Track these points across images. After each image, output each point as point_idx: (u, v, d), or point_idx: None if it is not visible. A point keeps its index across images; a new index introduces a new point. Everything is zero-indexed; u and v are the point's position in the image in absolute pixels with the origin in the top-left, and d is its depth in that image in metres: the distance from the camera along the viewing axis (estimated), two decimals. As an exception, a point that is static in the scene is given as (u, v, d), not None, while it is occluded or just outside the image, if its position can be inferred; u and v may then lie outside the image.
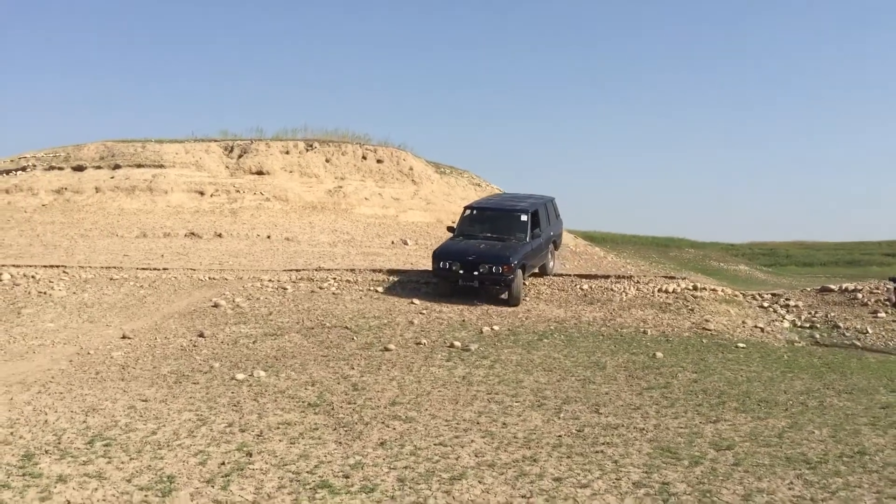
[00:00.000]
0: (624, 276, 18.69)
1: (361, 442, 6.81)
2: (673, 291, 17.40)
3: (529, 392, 9.28)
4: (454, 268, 15.16)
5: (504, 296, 15.32)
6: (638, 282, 18.18)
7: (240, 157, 30.17)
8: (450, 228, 17.29)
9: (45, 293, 15.97)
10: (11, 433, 6.89)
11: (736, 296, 17.94)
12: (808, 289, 19.20)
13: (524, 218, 16.41)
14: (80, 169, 28.79)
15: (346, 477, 5.79)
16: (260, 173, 29.51)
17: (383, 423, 7.56)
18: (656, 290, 17.52)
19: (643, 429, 7.49)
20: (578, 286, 17.74)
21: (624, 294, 17.25)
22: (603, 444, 6.91)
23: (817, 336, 15.11)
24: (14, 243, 23.16)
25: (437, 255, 15.73)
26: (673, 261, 57.55)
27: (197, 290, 16.75)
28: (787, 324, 16.10)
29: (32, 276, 17.27)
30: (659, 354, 12.34)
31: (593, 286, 17.68)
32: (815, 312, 16.76)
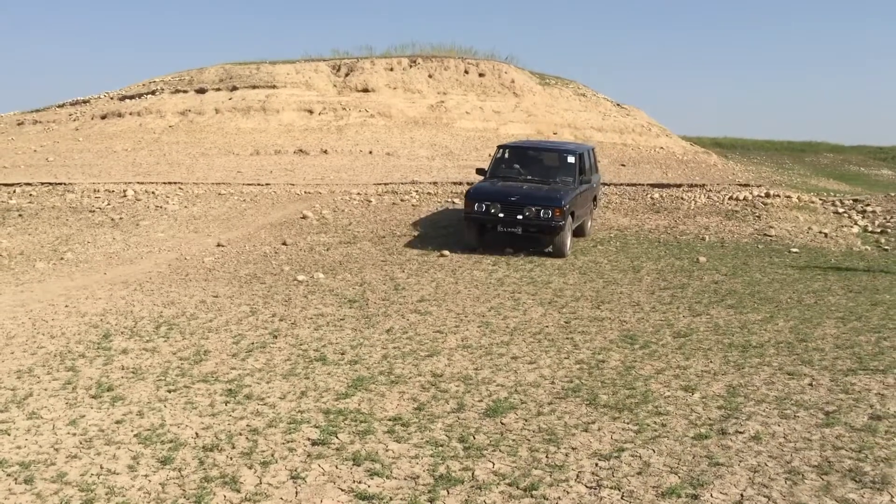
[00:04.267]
0: (696, 185, 19.06)
1: (373, 329, 8.10)
2: (743, 199, 17.72)
3: (550, 292, 10.30)
4: (493, 210, 12.80)
5: (549, 248, 13.12)
6: (710, 190, 18.54)
7: (346, 75, 31.64)
8: (479, 171, 14.73)
9: (161, 207, 18.05)
10: (101, 319, 8.59)
11: (812, 202, 18.03)
12: (893, 194, 19.00)
13: (571, 160, 14.17)
14: (201, 91, 31.08)
15: (342, 354, 7.11)
16: (365, 90, 30.90)
17: (402, 315, 8.82)
18: (727, 197, 17.88)
19: (624, 321, 8.44)
20: (649, 195, 18.31)
21: (693, 202, 17.72)
22: (578, 332, 7.92)
23: (882, 241, 15.23)
24: (143, 162, 25.69)
25: (473, 196, 13.15)
26: (807, 166, 55.72)
27: (292, 204, 18.44)
28: (856, 229, 16.22)
29: (152, 192, 19.44)
30: (702, 259, 12.97)
31: (664, 195, 18.20)
32: (891, 218, 16.75)
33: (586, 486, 4.24)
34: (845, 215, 17.15)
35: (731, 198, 17.81)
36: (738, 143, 68.82)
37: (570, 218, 12.83)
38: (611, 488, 4.21)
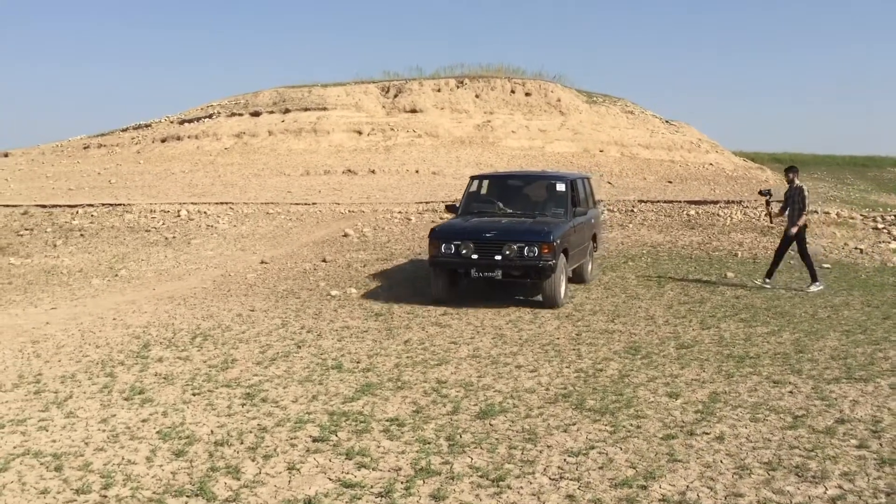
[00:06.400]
0: (733, 202, 19.16)
1: (392, 340, 8.59)
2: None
3: (571, 306, 10.65)
4: (465, 252, 10.45)
5: (538, 297, 10.79)
6: (746, 206, 18.63)
7: (395, 96, 32.43)
8: (450, 207, 12.42)
9: (212, 226, 18.90)
10: (144, 331, 9.25)
11: (852, 218, 17.99)
12: (936, 209, 18.83)
13: (562, 188, 11.72)
14: (256, 114, 32.21)
15: (358, 362, 7.60)
16: (413, 111, 31.64)
17: (422, 327, 9.28)
18: (763, 214, 17.95)
19: (634, 334, 8.76)
20: (685, 212, 18.50)
21: (729, 219, 17.85)
22: (587, 343, 8.28)
23: (919, 257, 15.17)
24: (200, 183, 26.76)
25: (439, 235, 10.81)
26: (869, 181, 54.79)
27: (336, 222, 19.12)
28: (894, 245, 16.19)
29: (205, 212, 20.33)
30: (730, 275, 13.17)
31: (700, 212, 18.37)
32: (931, 233, 16.62)
33: (549, 479, 4.64)
34: (884, 231, 17.10)
35: (766, 215, 17.88)
36: (798, 159, 67.90)
37: (562, 257, 10.49)
38: (570, 480, 4.61)
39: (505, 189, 12.31)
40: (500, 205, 11.73)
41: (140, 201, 22.14)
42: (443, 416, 5.87)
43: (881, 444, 5.09)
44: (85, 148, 34.63)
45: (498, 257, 10.31)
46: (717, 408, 5.92)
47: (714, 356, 7.63)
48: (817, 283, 11.84)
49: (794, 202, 11.92)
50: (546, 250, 10.13)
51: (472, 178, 12.58)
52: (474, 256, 10.42)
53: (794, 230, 11.89)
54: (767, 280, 12.14)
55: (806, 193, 11.90)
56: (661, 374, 6.98)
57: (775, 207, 12.54)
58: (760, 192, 12.97)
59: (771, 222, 13.26)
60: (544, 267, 10.12)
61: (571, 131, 31.74)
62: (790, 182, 12.18)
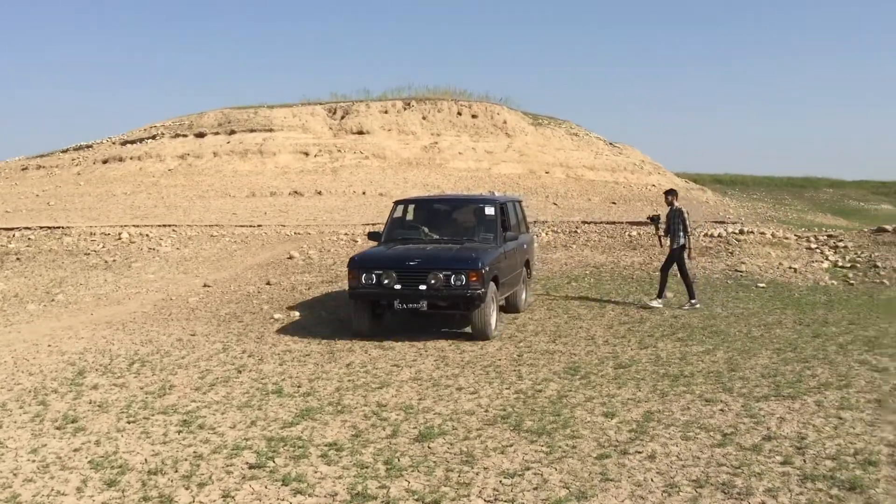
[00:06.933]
0: (674, 222, 19.52)
1: (335, 364, 8.56)
2: (718, 235, 18.20)
3: (514, 327, 10.75)
4: (387, 282, 9.73)
5: (468, 328, 10.11)
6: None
7: (342, 118, 32.45)
8: (372, 235, 11.61)
9: (154, 249, 18.63)
10: (80, 357, 9.07)
11: (786, 238, 18.46)
12: (865, 229, 19.46)
13: (490, 212, 11.09)
14: (201, 135, 31.93)
15: (299, 387, 7.57)
16: (360, 133, 31.70)
17: (365, 350, 9.28)
18: (702, 234, 18.35)
19: (574, 354, 8.88)
20: (627, 233, 18.81)
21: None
22: (528, 365, 8.36)
23: (850, 276, 15.63)
24: (142, 205, 26.38)
25: (358, 264, 10.09)
26: (806, 202, 56.30)
27: (281, 244, 19.01)
28: (826, 264, 16.63)
29: (146, 235, 20.03)
30: (669, 294, 13.39)
31: (641, 232, 18.70)
32: (861, 253, 17.16)
33: (484, 500, 4.69)
34: (817, 251, 17.59)
35: (706, 234, 18.29)
36: (739, 180, 69.63)
37: (492, 285, 9.90)
38: (504, 501, 4.66)
39: (431, 214, 11.68)
40: (426, 230, 11.18)
41: (80, 224, 21.75)
42: (382, 440, 5.88)
43: (805, 461, 5.25)
44: (23, 169, 33.90)
45: (423, 287, 9.61)
46: (651, 427, 6.04)
47: (650, 375, 7.77)
48: (694, 301, 12.25)
49: (675, 223, 12.37)
50: (474, 278, 9.49)
51: (396, 202, 11.88)
52: (397, 287, 9.70)
53: (689, 252, 12.48)
54: (659, 299, 12.46)
55: (685, 215, 12.39)
56: (598, 393, 7.09)
57: (662, 231, 12.94)
58: (649, 218, 13.28)
59: (661, 245, 13.60)
60: (472, 296, 9.47)
61: (518, 153, 32.09)
62: (670, 204, 12.67)
